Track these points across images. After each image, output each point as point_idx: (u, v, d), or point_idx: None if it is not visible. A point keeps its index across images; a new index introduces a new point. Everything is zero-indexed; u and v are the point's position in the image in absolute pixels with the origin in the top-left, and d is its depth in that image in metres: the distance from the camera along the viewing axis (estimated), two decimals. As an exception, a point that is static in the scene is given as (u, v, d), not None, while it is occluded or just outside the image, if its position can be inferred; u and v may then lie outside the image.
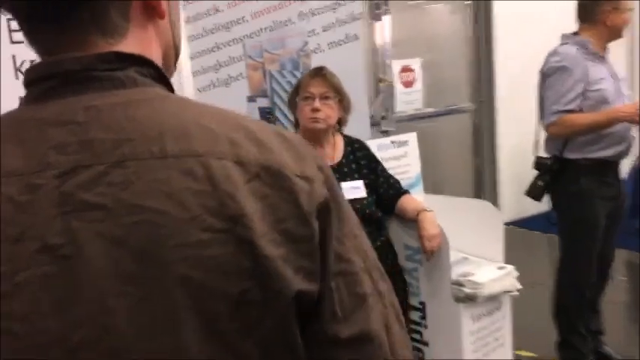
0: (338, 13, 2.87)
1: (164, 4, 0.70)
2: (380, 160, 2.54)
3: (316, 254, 0.63)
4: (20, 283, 0.56)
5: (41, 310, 0.56)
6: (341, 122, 2.41)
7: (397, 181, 2.48)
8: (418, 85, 4.71)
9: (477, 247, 2.54)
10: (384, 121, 4.67)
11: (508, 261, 4.86)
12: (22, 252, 0.56)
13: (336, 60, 2.84)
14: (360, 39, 2.89)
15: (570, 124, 2.75)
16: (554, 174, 2.90)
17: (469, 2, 5.12)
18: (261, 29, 2.87)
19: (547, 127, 2.86)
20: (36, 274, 0.56)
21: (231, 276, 0.59)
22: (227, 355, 0.59)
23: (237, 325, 0.59)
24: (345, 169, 2.36)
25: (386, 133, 4.49)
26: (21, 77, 0.76)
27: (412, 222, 2.34)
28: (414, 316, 2.47)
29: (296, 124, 2.42)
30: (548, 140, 2.95)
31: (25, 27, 0.66)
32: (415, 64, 4.69)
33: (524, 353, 3.10)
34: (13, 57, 2.10)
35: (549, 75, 2.84)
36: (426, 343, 2.48)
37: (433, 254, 2.28)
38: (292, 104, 2.38)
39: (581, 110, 2.77)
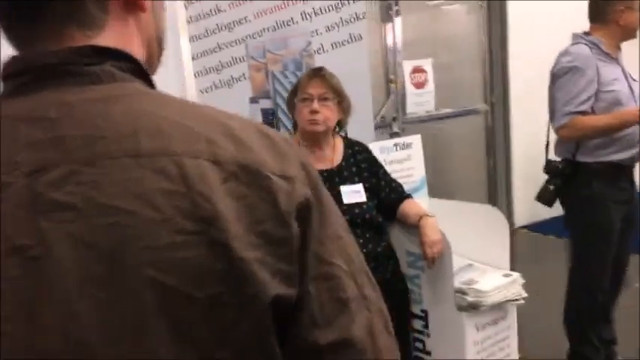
0: (341, 13, 2.80)
1: None
2: (383, 163, 2.48)
3: (295, 257, 0.61)
4: None
5: (9, 313, 0.54)
6: (341, 124, 2.34)
7: (399, 185, 2.42)
8: (430, 86, 4.64)
9: (482, 254, 2.46)
10: (395, 123, 4.64)
11: (521, 265, 4.79)
12: None
13: (340, 60, 2.78)
14: (364, 39, 2.81)
15: (581, 126, 2.66)
16: (566, 178, 2.81)
17: (483, 3, 5.03)
18: (263, 29, 2.81)
19: (557, 130, 2.77)
20: (4, 277, 0.54)
21: (204, 280, 0.57)
22: None
23: (210, 330, 0.57)
24: (345, 173, 2.30)
25: (397, 135, 4.44)
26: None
27: (414, 227, 2.27)
28: (417, 324, 2.40)
29: (294, 126, 2.36)
30: (559, 143, 2.86)
31: (3, 23, 0.65)
32: (427, 64, 4.62)
33: (534, 363, 3.02)
34: None
35: (560, 76, 2.75)
36: (428, 353, 2.40)
37: (435, 261, 2.20)
38: (290, 106, 2.32)
39: (593, 112, 2.68)
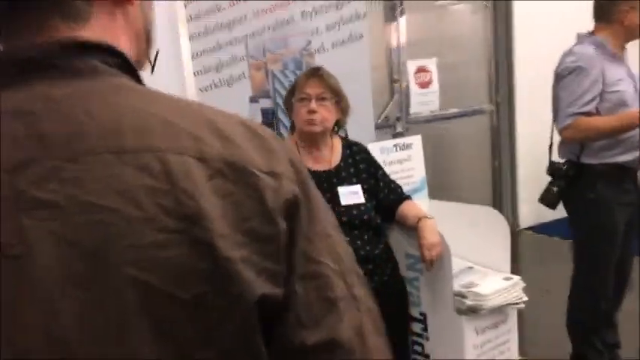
0: (342, 12, 2.77)
1: None
2: (382, 163, 2.45)
3: (282, 255, 0.60)
4: None
5: None
6: (339, 124, 2.31)
7: (399, 187, 2.38)
8: (434, 86, 4.60)
9: (482, 256, 2.43)
10: (399, 123, 4.60)
11: (525, 267, 4.75)
12: None
13: (340, 60, 2.76)
14: (364, 38, 2.78)
15: (585, 127, 2.62)
16: (569, 180, 2.76)
17: (488, 3, 4.99)
18: (263, 28, 2.79)
19: (561, 131, 2.73)
20: None
21: (188, 279, 0.56)
22: None
23: (195, 330, 0.56)
24: (343, 174, 2.26)
25: (401, 135, 4.40)
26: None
27: (413, 229, 2.23)
28: (416, 327, 2.37)
29: (292, 127, 2.33)
30: (563, 144, 2.82)
31: None
32: (431, 64, 4.57)
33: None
34: None
35: (564, 76, 2.70)
36: (427, 356, 2.37)
37: (433, 264, 2.17)
38: (288, 106, 2.29)
39: (598, 113, 2.63)
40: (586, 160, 2.69)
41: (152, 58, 0.77)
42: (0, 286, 0.53)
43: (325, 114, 2.19)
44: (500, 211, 5.20)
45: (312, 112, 2.17)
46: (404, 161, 2.58)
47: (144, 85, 0.67)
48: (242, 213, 0.59)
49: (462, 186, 5.02)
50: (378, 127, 4.43)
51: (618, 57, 2.67)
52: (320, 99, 2.18)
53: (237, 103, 2.77)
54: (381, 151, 2.51)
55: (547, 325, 2.99)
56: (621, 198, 2.68)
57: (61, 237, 0.54)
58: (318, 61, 2.76)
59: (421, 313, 2.34)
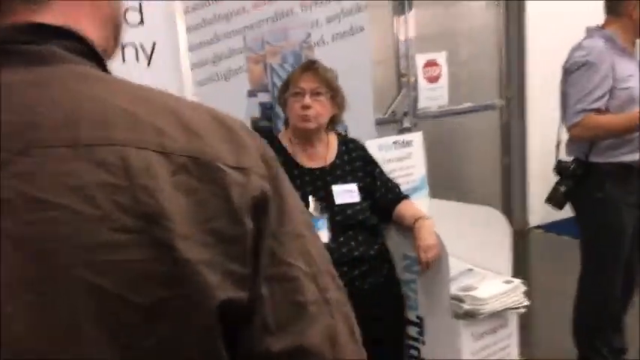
0: (343, 4, 2.69)
1: None
2: (381, 161, 2.38)
3: (249, 256, 0.57)
4: None
5: None
6: (335, 120, 2.24)
7: (396, 185, 2.31)
8: (443, 81, 4.51)
9: (482, 258, 2.34)
10: (406, 118, 4.52)
11: (534, 266, 4.66)
12: None
13: (341, 53, 2.68)
14: (365, 31, 2.69)
15: (594, 125, 2.53)
16: (577, 179, 2.67)
17: (500, 2, 4.88)
18: (262, 20, 2.71)
19: (569, 129, 2.64)
20: None
21: (146, 283, 0.52)
22: None
23: (152, 338, 0.53)
24: (338, 172, 2.19)
25: (408, 131, 4.32)
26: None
27: (410, 230, 2.16)
28: (412, 331, 2.30)
29: (286, 122, 2.26)
30: (570, 142, 2.72)
31: None
32: (440, 58, 4.48)
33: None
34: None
35: (573, 71, 2.61)
36: (424, 361, 2.30)
37: (429, 266, 2.09)
38: (282, 100, 2.22)
39: (607, 110, 2.54)
40: (594, 158, 2.61)
41: (119, 46, 0.72)
42: None
43: (320, 109, 2.12)
44: (510, 208, 5.11)
45: (306, 107, 2.10)
46: (404, 159, 2.50)
47: (109, 73, 0.63)
48: (206, 212, 0.55)
49: (471, 183, 4.93)
50: (384, 123, 4.37)
51: (628, 52, 2.58)
52: (314, 94, 2.11)
53: (235, 97, 2.70)
54: (380, 148, 2.43)
55: (556, 326, 2.90)
56: (629, 198, 2.60)
57: (11, 236, 0.50)
58: (318, 54, 2.68)
59: (418, 317, 2.27)
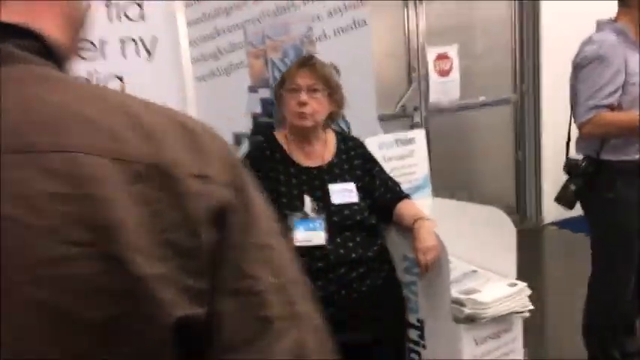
0: (345, -4, 2.62)
1: None
2: (382, 159, 2.31)
3: (208, 270, 0.54)
4: None
5: None
6: (332, 117, 2.17)
7: (397, 184, 2.24)
8: (455, 74, 4.42)
9: (487, 260, 2.27)
10: (416, 113, 4.44)
11: (548, 264, 4.56)
12: None
13: (343, 48, 2.61)
14: (368, 25, 2.62)
15: (605, 122, 2.44)
16: (588, 177, 2.58)
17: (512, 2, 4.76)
18: (263, 14, 2.64)
19: (580, 126, 2.55)
20: None
21: (97, 300, 0.50)
22: None
23: (106, 356, 0.51)
24: (336, 170, 2.13)
25: (418, 126, 4.24)
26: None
27: (409, 231, 2.09)
28: (413, 334, 2.23)
29: (282, 120, 2.20)
30: (581, 140, 2.64)
31: None
32: (452, 51, 4.40)
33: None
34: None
35: (584, 66, 2.52)
36: (425, 365, 2.23)
37: (428, 269, 2.03)
38: (278, 97, 2.16)
39: (620, 107, 2.45)
40: (606, 156, 2.52)
41: (79, 45, 0.69)
42: None
43: (316, 106, 2.06)
44: (523, 205, 5.01)
45: (302, 104, 2.03)
46: (405, 157, 2.42)
47: (68, 73, 0.62)
48: (163, 223, 0.52)
49: (483, 179, 4.84)
50: (394, 118, 4.30)
51: (641, 46, 2.47)
52: (311, 90, 2.05)
53: (237, 92, 2.65)
54: (380, 146, 2.35)
55: (570, 326, 2.82)
56: None
57: None
58: (320, 49, 2.61)
59: (418, 320, 2.20)
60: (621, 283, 2.59)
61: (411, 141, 2.44)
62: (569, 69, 2.66)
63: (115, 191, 0.51)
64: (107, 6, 2.48)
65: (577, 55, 2.56)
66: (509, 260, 2.22)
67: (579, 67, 2.54)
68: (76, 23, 0.65)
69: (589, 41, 2.52)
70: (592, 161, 2.57)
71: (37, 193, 0.49)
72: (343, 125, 2.63)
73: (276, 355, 0.56)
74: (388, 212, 2.18)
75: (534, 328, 2.95)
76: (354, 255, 2.02)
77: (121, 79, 2.51)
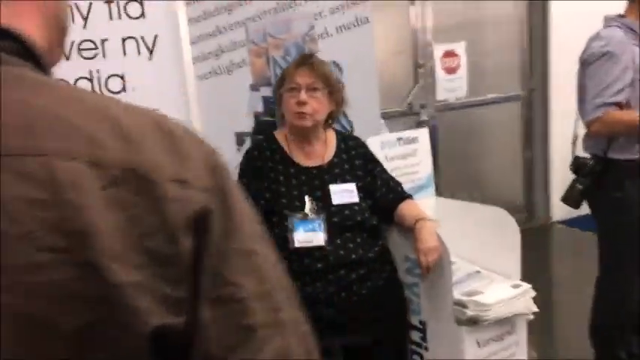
0: (347, -7, 2.58)
1: None
2: (384, 159, 2.28)
3: (187, 277, 0.53)
4: None
5: None
6: (333, 116, 2.14)
7: (398, 184, 2.20)
8: (462, 72, 4.38)
9: (490, 260, 2.23)
10: (423, 110, 4.40)
11: (556, 262, 4.51)
12: None
13: (345, 45, 2.57)
14: (370, 23, 2.58)
15: (614, 120, 2.40)
16: (596, 176, 2.54)
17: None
18: (264, 11, 2.61)
19: (588, 124, 2.50)
20: None
21: (72, 307, 0.49)
22: None
23: None
24: (337, 170, 2.10)
25: (425, 123, 4.20)
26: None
27: (411, 231, 2.06)
28: (415, 336, 2.20)
29: (282, 119, 2.17)
30: (588, 138, 2.59)
31: None
32: (459, 48, 4.35)
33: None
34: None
35: (591, 62, 2.48)
36: (427, 367, 2.20)
37: (430, 270, 1.99)
38: (277, 96, 2.13)
39: (628, 104, 2.40)
40: (613, 155, 2.47)
41: (64, 48, 0.68)
42: None
43: (316, 106, 2.02)
44: (532, 203, 4.96)
45: (301, 103, 2.00)
46: (408, 156, 2.38)
47: (50, 75, 0.61)
48: (140, 229, 0.51)
49: (491, 177, 4.80)
50: (400, 115, 4.26)
51: (650, 42, 2.42)
52: (311, 89, 2.02)
53: (238, 91, 2.62)
54: (382, 145, 2.32)
55: (579, 325, 2.77)
56: None
57: None
58: (322, 46, 2.58)
59: (421, 322, 2.17)
60: (629, 281, 2.55)
61: (414, 140, 2.40)
62: (578, 66, 2.62)
63: (90, 196, 0.50)
64: (108, 4, 2.46)
65: (584, 52, 2.52)
66: (513, 261, 2.18)
67: (586, 63, 2.50)
68: (58, 23, 0.64)
69: (596, 37, 2.47)
70: (599, 160, 2.52)
71: (11, 197, 0.48)
72: (346, 124, 2.60)
73: None
74: (390, 213, 2.14)
75: (542, 327, 2.92)
76: (354, 256, 1.99)
77: (122, 77, 2.49)
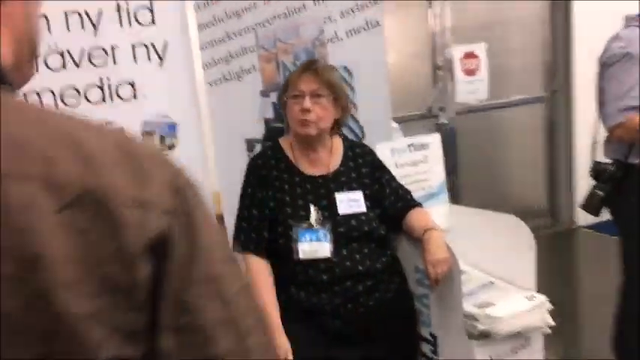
0: (357, -3, 2.53)
1: None
2: (393, 166, 2.22)
3: (146, 306, 0.51)
4: None
5: None
6: (339, 123, 2.09)
7: (408, 192, 2.14)
8: (482, 74, 4.28)
9: (505, 271, 2.15)
10: (442, 114, 4.32)
11: (582, 268, 4.39)
12: None
13: (355, 49, 2.52)
14: (381, 26, 2.53)
15: (638, 125, 2.30)
16: (617, 182, 2.45)
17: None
18: (274, 16, 2.58)
19: (610, 129, 2.41)
20: None
21: (24, 339, 0.47)
22: None
23: None
24: (343, 178, 2.04)
25: (444, 127, 4.12)
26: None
27: (420, 242, 1.99)
28: (425, 348, 2.13)
29: (287, 127, 2.12)
30: (609, 143, 2.50)
31: None
32: (479, 50, 4.25)
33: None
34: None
35: (611, 64, 2.39)
36: (439, 381, 2.13)
37: (439, 282, 1.93)
38: (282, 103, 2.08)
39: (650, 107, 2.30)
40: (634, 160, 2.38)
41: (34, 63, 0.66)
42: None
43: (321, 113, 1.97)
44: (556, 206, 4.84)
45: (305, 110, 1.95)
46: (419, 163, 2.31)
47: (13, 92, 0.59)
48: (96, 256, 0.49)
49: (513, 181, 4.69)
50: (419, 119, 4.19)
51: (672, 43, 2.32)
52: (315, 96, 1.97)
53: (249, 97, 2.60)
54: (392, 152, 2.26)
55: (604, 332, 2.68)
56: None
57: None
58: (332, 50, 2.53)
59: (431, 334, 2.10)
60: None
61: (425, 146, 2.33)
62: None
63: (43, 220, 0.48)
64: (118, 11, 2.45)
65: (603, 53, 2.43)
66: (528, 271, 2.10)
67: (606, 65, 2.41)
68: (30, 39, 0.63)
69: (615, 38, 2.39)
70: (621, 165, 2.43)
71: None
72: (356, 129, 2.55)
73: None
74: (398, 222, 2.08)
75: (564, 337, 2.83)
76: (360, 267, 1.94)
77: (132, 85, 2.48)
